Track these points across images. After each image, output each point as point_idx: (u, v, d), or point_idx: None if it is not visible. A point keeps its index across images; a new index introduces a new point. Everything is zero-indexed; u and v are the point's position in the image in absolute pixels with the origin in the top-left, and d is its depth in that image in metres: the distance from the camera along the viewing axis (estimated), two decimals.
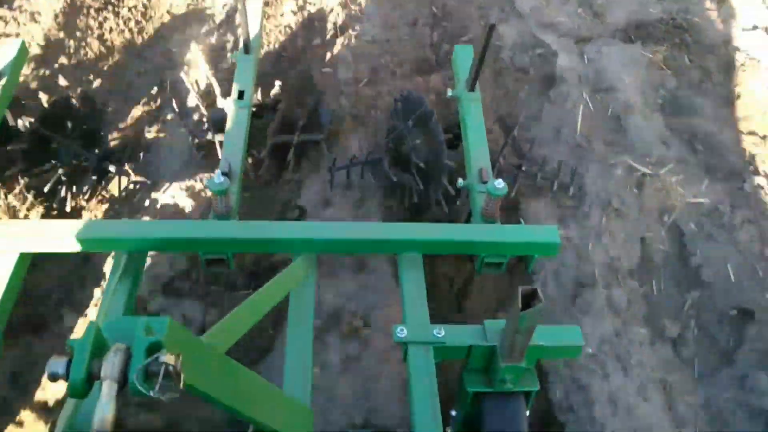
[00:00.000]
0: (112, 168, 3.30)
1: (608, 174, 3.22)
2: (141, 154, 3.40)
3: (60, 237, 2.36)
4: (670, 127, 3.56)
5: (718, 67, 3.93)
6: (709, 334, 2.87)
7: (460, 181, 2.84)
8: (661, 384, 2.67)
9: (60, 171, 3.19)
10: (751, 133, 3.61)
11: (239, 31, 3.43)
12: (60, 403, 2.64)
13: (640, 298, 2.90)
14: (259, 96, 3.33)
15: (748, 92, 3.79)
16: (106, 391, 1.29)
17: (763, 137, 3.59)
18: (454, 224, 2.65)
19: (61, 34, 3.94)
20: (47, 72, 3.67)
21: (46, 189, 3.16)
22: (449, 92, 3.17)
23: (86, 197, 3.34)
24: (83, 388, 1.33)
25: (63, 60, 3.82)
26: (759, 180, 3.36)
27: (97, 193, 3.37)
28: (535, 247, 2.52)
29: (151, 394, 1.28)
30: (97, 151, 3.30)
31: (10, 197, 3.24)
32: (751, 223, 3.15)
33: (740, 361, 2.77)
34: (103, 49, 3.99)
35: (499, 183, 2.51)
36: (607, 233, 2.99)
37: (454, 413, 2.39)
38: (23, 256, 2.41)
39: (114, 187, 3.37)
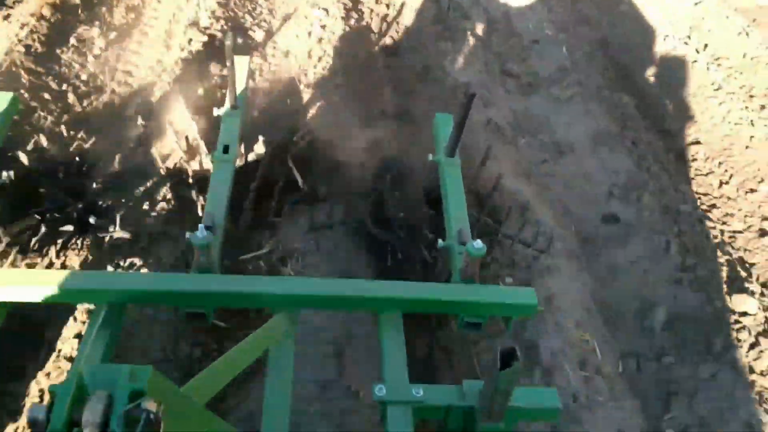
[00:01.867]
0: (92, 221, 3.30)
1: None
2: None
3: (37, 287, 2.34)
4: None
5: None
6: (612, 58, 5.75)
7: (440, 241, 2.89)
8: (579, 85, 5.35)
9: (43, 228, 3.19)
10: None
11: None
12: None
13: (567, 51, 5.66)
14: (242, 150, 3.39)
15: None
16: None
17: None
18: (435, 283, 2.68)
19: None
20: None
21: (31, 244, 3.16)
22: (430, 157, 3.26)
23: (67, 251, 3.33)
24: None
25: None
26: None
27: (78, 246, 3.36)
28: (513, 308, 2.56)
29: None
30: (80, 204, 3.32)
31: None
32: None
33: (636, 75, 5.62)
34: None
35: (478, 243, 2.56)
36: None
37: None
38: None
39: (90, 243, 3.36)
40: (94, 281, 2.46)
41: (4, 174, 3.18)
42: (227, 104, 3.32)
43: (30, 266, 3.24)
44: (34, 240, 3.25)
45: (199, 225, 2.49)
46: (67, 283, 2.38)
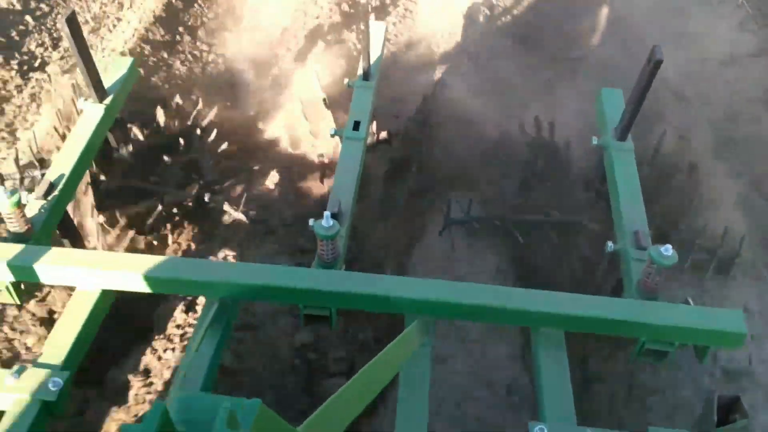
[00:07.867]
0: (209, 201, 3.05)
1: None
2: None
3: (145, 274, 2.06)
4: None
5: None
6: None
7: (609, 244, 2.36)
8: None
9: (159, 207, 2.98)
10: None
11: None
12: None
13: None
14: (374, 129, 3.00)
15: None
16: None
17: None
18: (609, 298, 2.16)
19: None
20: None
21: (147, 224, 2.95)
22: (594, 140, 2.73)
23: (183, 231, 3.09)
24: None
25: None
26: None
27: (195, 227, 3.11)
28: (714, 336, 1.99)
29: None
30: (198, 182, 3.07)
31: (109, 232, 3.02)
32: None
33: None
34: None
35: (667, 249, 2.01)
36: None
37: None
38: (105, 294, 2.13)
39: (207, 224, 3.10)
40: (206, 272, 2.13)
41: (123, 149, 2.98)
42: (360, 74, 2.93)
43: (147, 250, 3.02)
44: (150, 220, 3.04)
45: (325, 212, 2.11)
46: (174, 271, 2.09)
